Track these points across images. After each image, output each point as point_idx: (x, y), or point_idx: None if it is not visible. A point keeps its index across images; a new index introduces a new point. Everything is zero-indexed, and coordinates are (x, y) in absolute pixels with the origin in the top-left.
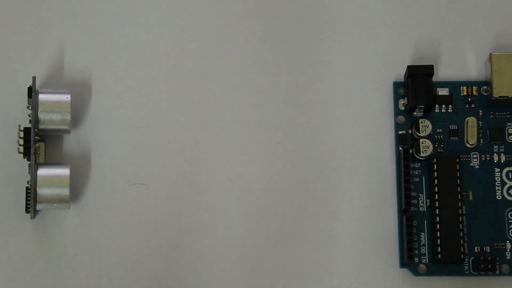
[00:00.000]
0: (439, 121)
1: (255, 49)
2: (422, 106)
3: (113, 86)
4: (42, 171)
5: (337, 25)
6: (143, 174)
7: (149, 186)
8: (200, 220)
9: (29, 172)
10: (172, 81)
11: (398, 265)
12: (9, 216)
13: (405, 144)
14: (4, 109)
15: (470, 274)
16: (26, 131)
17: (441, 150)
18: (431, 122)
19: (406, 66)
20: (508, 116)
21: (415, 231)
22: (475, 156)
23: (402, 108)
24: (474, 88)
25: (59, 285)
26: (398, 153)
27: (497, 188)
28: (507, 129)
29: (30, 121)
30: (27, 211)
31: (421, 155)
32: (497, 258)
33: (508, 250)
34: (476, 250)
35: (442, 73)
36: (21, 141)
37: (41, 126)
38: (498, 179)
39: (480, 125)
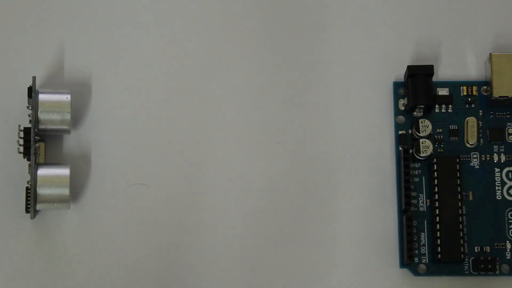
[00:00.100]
0: (439, 121)
1: (255, 49)
2: (422, 106)
3: (113, 86)
4: (42, 171)
5: (337, 25)
6: (143, 174)
7: (149, 186)
8: (200, 220)
9: (29, 172)
10: (172, 81)
11: (398, 265)
12: (9, 216)
13: (405, 144)
14: (4, 109)
15: (470, 274)
16: (26, 131)
17: (441, 150)
18: (431, 122)
19: (406, 66)
20: (508, 116)
21: (415, 231)
22: (475, 156)
23: (402, 108)
24: (474, 88)
25: (59, 285)
26: (398, 153)
27: (497, 188)
28: (507, 129)
29: (30, 121)
30: (27, 211)
31: (421, 155)
32: (497, 258)
33: (508, 250)
34: (476, 250)
35: (442, 73)
36: (21, 141)
37: (41, 126)
38: (498, 179)
39: (480, 125)
